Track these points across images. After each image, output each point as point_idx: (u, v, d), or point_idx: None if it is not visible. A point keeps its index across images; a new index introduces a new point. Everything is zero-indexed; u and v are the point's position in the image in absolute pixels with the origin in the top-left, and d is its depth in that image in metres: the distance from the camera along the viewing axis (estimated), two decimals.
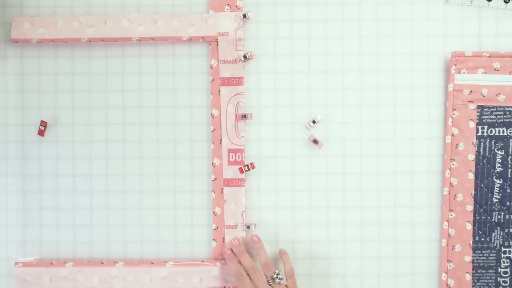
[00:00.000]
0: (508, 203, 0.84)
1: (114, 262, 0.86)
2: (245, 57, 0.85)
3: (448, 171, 0.85)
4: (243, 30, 0.86)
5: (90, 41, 0.86)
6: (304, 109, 0.86)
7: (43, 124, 0.86)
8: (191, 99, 0.87)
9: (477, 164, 0.84)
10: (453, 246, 0.84)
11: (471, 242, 0.84)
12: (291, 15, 0.87)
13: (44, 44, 0.87)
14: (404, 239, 0.86)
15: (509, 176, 0.84)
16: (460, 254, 0.84)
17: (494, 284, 0.84)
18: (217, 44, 0.86)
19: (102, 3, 0.87)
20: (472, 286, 0.84)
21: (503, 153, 0.84)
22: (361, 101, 0.86)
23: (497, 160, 0.84)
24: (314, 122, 0.85)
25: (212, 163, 0.86)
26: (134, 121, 0.87)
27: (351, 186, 0.86)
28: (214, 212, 0.86)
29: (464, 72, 0.84)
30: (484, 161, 0.84)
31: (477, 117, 0.84)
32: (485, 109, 0.84)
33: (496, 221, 0.84)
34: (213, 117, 0.86)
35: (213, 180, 0.86)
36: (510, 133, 0.84)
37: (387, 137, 0.86)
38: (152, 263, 0.85)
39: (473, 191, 0.84)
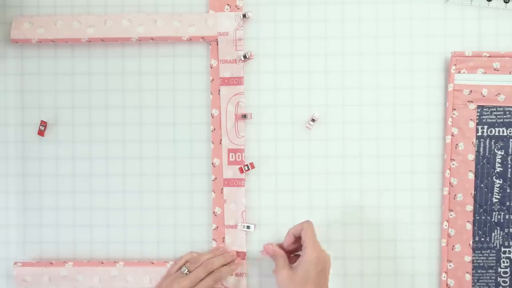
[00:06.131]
0: (508, 203, 0.84)
1: (114, 262, 0.86)
2: (245, 57, 0.85)
3: (448, 171, 0.85)
4: (243, 30, 0.86)
5: (90, 41, 0.86)
6: (304, 109, 0.86)
7: (43, 124, 0.86)
8: (191, 99, 0.87)
9: (477, 164, 0.84)
10: (453, 246, 0.84)
11: (471, 242, 0.84)
12: (291, 15, 0.87)
13: (44, 44, 0.87)
14: (404, 239, 0.86)
15: (509, 176, 0.84)
16: (460, 254, 0.84)
17: (494, 284, 0.84)
18: (217, 44, 0.86)
19: (102, 3, 0.87)
20: (472, 286, 0.84)
21: (503, 153, 0.84)
22: (361, 101, 0.86)
23: (497, 160, 0.84)
24: (313, 120, 0.85)
25: (212, 163, 0.86)
26: (134, 121, 0.87)
27: (351, 186, 0.86)
28: (214, 212, 0.86)
29: (464, 72, 0.84)
30: (484, 161, 0.84)
31: (477, 117, 0.84)
32: (485, 109, 0.84)
33: (496, 221, 0.84)
34: (213, 117, 0.86)
35: (213, 180, 0.86)
36: (510, 133, 0.84)
37: (387, 137, 0.86)
38: (152, 263, 0.85)
39: (473, 191, 0.84)
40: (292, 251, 0.82)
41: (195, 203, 0.87)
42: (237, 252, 0.85)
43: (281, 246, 0.81)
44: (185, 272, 0.80)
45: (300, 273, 0.75)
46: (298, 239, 0.80)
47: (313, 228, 0.78)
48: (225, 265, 0.83)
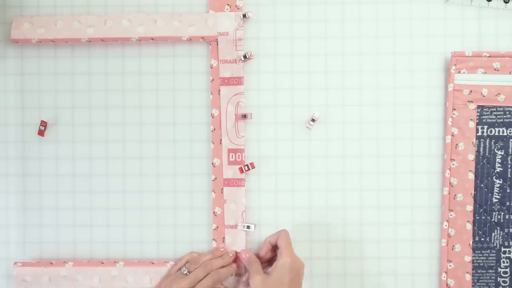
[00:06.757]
0: (508, 203, 0.84)
1: (114, 262, 0.86)
2: (245, 57, 0.85)
3: (448, 171, 0.85)
4: (243, 30, 0.86)
5: (90, 41, 0.86)
6: (304, 109, 0.86)
7: (43, 124, 0.86)
8: (191, 99, 0.87)
9: (477, 164, 0.84)
10: (453, 246, 0.85)
11: (471, 242, 0.84)
12: (291, 15, 0.87)
13: (44, 44, 0.87)
14: (404, 239, 0.86)
15: (509, 176, 0.84)
16: (460, 254, 0.84)
17: (494, 284, 0.84)
18: (217, 44, 0.86)
19: (102, 3, 0.87)
20: (472, 286, 0.84)
21: (503, 153, 0.84)
22: (361, 101, 0.86)
23: (497, 160, 0.84)
24: (313, 120, 0.85)
25: (212, 163, 0.86)
26: (134, 121, 0.87)
27: (351, 186, 0.86)
28: (214, 212, 0.86)
29: (464, 72, 0.84)
30: (484, 161, 0.84)
31: (477, 117, 0.84)
32: (485, 109, 0.84)
33: (496, 221, 0.84)
34: (213, 117, 0.86)
35: (213, 180, 0.86)
36: (510, 133, 0.84)
37: (387, 137, 0.86)
38: (152, 263, 0.85)
39: (473, 191, 0.84)
40: (268, 260, 0.83)
41: (195, 203, 0.87)
42: (237, 253, 0.85)
43: (257, 255, 0.83)
44: (185, 272, 0.80)
45: (274, 278, 0.77)
46: (274, 248, 0.82)
47: (288, 236, 0.81)
48: (225, 266, 0.83)
